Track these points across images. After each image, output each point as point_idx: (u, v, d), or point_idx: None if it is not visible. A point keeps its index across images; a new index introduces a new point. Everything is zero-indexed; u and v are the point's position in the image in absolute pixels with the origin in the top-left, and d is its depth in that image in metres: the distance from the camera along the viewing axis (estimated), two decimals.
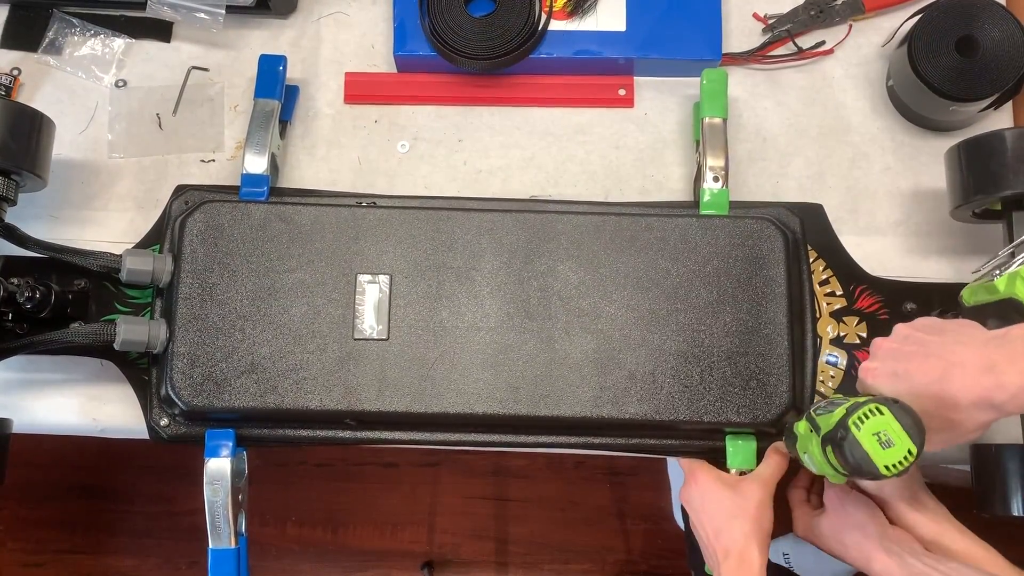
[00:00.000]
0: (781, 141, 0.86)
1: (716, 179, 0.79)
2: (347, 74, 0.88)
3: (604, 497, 1.56)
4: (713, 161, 0.79)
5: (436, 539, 1.55)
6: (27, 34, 0.89)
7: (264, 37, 0.89)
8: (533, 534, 1.55)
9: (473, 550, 1.55)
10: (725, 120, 0.81)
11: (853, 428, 0.56)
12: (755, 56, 0.87)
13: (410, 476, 1.57)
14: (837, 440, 0.57)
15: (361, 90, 0.88)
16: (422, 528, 1.55)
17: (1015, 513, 0.68)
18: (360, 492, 1.57)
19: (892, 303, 0.78)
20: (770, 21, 0.88)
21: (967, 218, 0.77)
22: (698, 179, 0.81)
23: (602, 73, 0.87)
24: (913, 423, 0.55)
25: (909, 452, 0.55)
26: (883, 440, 0.55)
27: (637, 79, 0.88)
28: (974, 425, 0.57)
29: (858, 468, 0.56)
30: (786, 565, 1.41)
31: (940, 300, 0.77)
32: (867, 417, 0.56)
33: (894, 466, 0.55)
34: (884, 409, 0.56)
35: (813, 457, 0.61)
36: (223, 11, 0.85)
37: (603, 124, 0.87)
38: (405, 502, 1.56)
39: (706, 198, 0.79)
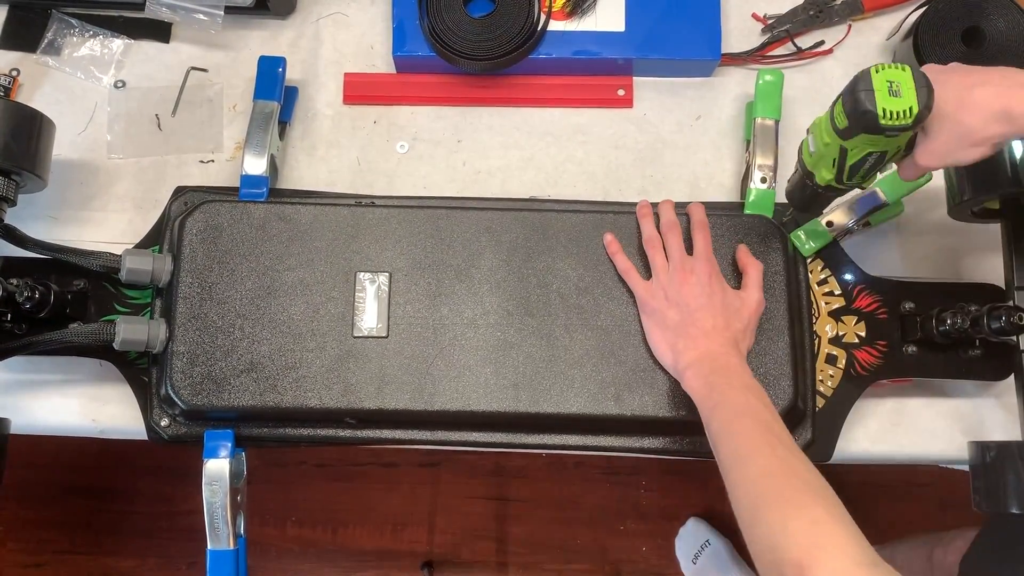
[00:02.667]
0: (781, 141, 0.86)
1: (763, 179, 0.79)
2: (346, 75, 0.88)
3: (604, 497, 1.56)
4: (762, 160, 0.80)
5: (436, 539, 1.55)
6: (26, 34, 0.89)
7: (263, 38, 0.89)
8: (533, 534, 1.55)
9: (473, 550, 1.54)
10: (778, 121, 0.81)
11: (872, 71, 0.58)
12: (754, 56, 0.87)
13: (410, 476, 1.57)
14: (852, 84, 0.59)
15: (360, 91, 0.88)
16: (422, 528, 1.55)
17: (1013, 511, 0.68)
18: (360, 492, 1.57)
19: (890, 302, 0.78)
20: (769, 21, 0.88)
21: (966, 217, 0.77)
22: (746, 178, 0.81)
23: (601, 73, 0.87)
24: (927, 90, 0.57)
25: (910, 109, 0.57)
26: (893, 88, 0.57)
27: (636, 79, 0.88)
28: (983, 136, 0.58)
29: (858, 107, 0.58)
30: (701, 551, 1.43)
31: (939, 299, 0.77)
32: (888, 68, 0.58)
33: (891, 114, 0.57)
34: (906, 68, 0.58)
35: (816, 129, 0.64)
36: (222, 12, 0.85)
37: (602, 124, 0.87)
38: (405, 502, 1.56)
39: (751, 198, 0.79)
